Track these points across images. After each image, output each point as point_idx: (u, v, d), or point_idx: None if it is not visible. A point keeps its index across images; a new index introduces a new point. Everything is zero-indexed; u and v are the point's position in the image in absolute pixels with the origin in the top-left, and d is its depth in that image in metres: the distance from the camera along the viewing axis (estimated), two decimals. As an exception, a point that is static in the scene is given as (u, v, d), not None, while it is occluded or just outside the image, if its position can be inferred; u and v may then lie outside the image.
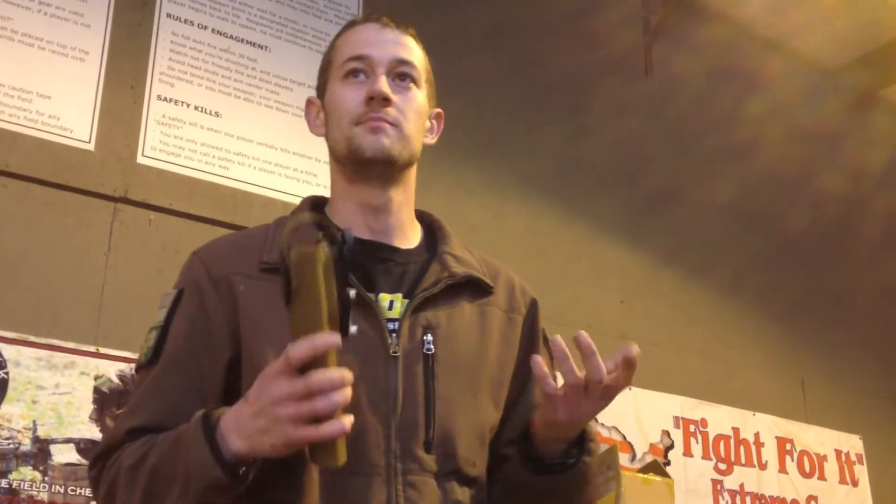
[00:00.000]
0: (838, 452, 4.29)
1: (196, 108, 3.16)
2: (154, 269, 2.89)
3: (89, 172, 2.91)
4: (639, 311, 3.94)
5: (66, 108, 2.93)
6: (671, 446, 3.81)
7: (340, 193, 1.38)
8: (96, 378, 2.71)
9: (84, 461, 2.58)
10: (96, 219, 2.90)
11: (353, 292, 1.08)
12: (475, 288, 1.35)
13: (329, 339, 1.03)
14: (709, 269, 4.21)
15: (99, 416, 2.68)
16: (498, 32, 3.90)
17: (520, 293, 1.41)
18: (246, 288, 1.25)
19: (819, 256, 4.58)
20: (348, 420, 1.03)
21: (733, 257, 4.29)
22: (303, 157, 3.29)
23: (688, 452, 3.85)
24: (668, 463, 3.72)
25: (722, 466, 3.93)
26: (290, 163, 3.27)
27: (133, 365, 2.47)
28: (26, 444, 2.57)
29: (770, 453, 4.08)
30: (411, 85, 1.36)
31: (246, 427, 1.07)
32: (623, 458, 3.49)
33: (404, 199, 1.38)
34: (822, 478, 4.20)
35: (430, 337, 1.26)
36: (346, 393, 1.03)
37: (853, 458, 4.33)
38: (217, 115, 3.20)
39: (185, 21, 3.24)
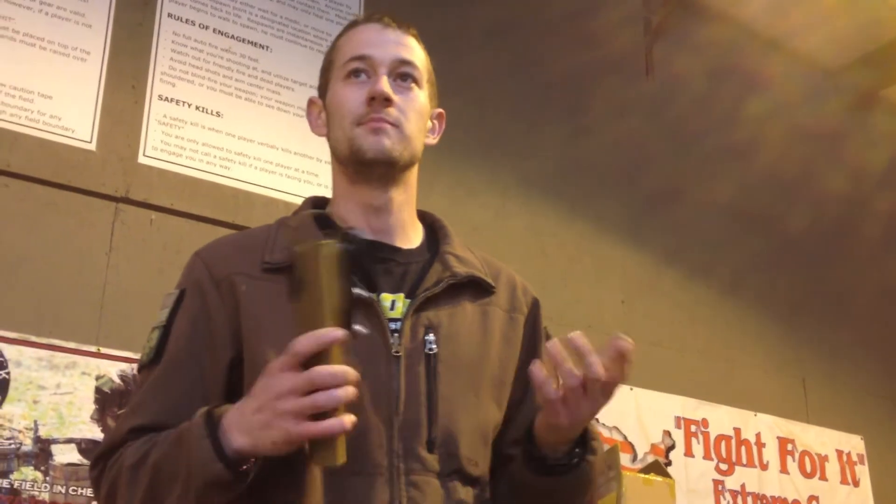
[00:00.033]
0: (839, 452, 4.28)
1: (197, 107, 3.16)
2: (155, 269, 2.89)
3: (91, 172, 2.91)
4: (640, 310, 3.94)
5: (67, 108, 2.93)
6: (672, 446, 3.80)
7: (342, 194, 1.37)
8: (98, 378, 2.71)
9: (85, 461, 2.58)
10: (98, 219, 2.90)
11: (355, 291, 1.09)
12: (477, 288, 1.35)
13: (335, 333, 1.03)
14: (710, 269, 4.20)
15: (100, 417, 2.68)
16: (499, 32, 3.90)
17: (521, 293, 1.41)
18: (248, 288, 1.25)
19: (820, 256, 4.58)
20: (350, 419, 1.04)
21: (734, 257, 4.29)
22: (304, 157, 3.29)
23: (689, 453, 3.84)
24: (669, 463, 3.72)
25: (723, 467, 3.92)
26: (291, 163, 3.27)
27: (134, 365, 2.49)
28: (28, 445, 2.57)
29: (771, 453, 4.07)
30: (413, 85, 1.36)
31: (248, 422, 1.07)
32: (624, 459, 3.49)
33: (405, 199, 1.37)
34: (823, 478, 4.19)
35: (432, 337, 1.26)
36: (349, 389, 1.03)
37: (854, 458, 4.32)
38: (218, 115, 3.20)
39: (187, 21, 3.24)
